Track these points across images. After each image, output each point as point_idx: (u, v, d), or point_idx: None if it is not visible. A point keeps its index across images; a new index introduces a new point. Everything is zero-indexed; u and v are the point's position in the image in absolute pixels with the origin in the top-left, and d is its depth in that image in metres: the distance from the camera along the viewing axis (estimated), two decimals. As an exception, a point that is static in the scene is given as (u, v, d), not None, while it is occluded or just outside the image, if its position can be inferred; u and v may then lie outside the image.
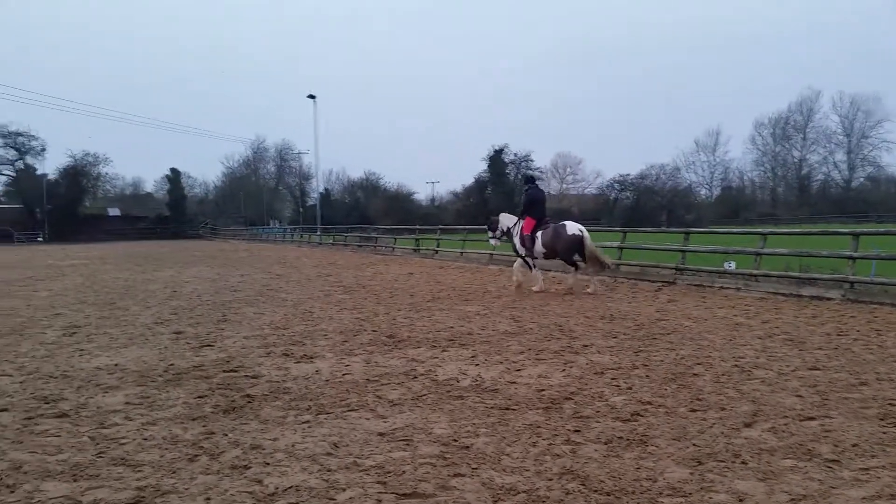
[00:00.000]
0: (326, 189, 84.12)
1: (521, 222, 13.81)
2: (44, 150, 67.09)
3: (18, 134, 65.82)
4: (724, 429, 4.73)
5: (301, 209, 77.17)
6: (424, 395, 5.73)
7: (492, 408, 5.32)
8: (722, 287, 13.65)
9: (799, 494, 3.59)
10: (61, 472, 4.01)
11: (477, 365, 6.88)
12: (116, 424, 4.96)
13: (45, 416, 5.23)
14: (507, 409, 5.29)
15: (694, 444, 4.40)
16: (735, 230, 33.13)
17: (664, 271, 15.61)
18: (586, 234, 13.07)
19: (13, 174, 67.56)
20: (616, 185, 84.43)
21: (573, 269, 13.58)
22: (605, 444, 4.45)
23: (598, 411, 5.19)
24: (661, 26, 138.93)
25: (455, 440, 4.52)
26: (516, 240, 13.95)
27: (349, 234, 40.99)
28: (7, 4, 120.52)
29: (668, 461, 4.13)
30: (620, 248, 17.58)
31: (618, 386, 5.97)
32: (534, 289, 13.57)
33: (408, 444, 4.44)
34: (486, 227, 15.44)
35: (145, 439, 4.60)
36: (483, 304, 11.76)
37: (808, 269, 14.17)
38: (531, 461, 4.14)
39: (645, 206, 79.43)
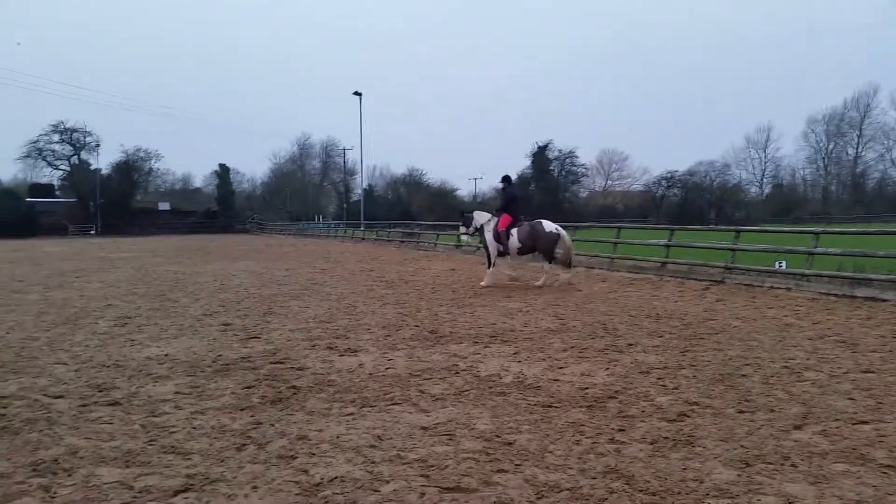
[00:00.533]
0: (370, 185, 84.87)
1: (496, 219, 14.23)
2: (98, 145, 69.30)
3: (74, 130, 68.10)
4: (772, 431, 4.63)
5: (345, 205, 78.04)
6: (467, 390, 5.74)
7: (534, 405, 5.30)
8: (772, 287, 13.31)
9: (852, 500, 3.49)
10: (114, 458, 4.14)
11: (519, 362, 6.87)
12: (166, 413, 5.11)
13: (98, 403, 5.40)
14: (549, 406, 5.27)
15: (742, 446, 4.32)
16: (786, 229, 32.25)
17: (713, 270, 15.31)
18: (562, 231, 14.04)
19: (68, 169, 69.88)
20: (663, 182, 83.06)
21: (548, 262, 14.20)
22: (651, 443, 4.39)
23: (643, 411, 5.13)
24: (717, 20, 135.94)
25: (497, 436, 4.53)
26: (489, 235, 14.28)
27: (392, 229, 41.23)
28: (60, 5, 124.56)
29: (714, 462, 4.06)
30: (668, 247, 17.28)
31: (664, 386, 5.88)
32: (482, 283, 14.19)
33: (450, 439, 4.46)
34: (459, 223, 15.84)
35: (194, 428, 4.73)
36: (525, 301, 11.71)
37: (862, 269, 13.69)
38: (574, 459, 4.11)
39: (693, 203, 78.02)
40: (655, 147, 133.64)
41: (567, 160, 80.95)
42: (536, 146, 79.21)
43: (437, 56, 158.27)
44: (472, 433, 4.59)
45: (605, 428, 4.72)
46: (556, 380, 6.12)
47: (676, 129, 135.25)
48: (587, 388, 5.79)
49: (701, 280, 14.85)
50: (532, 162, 79.41)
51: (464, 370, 6.48)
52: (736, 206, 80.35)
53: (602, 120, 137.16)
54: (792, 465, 3.98)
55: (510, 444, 4.38)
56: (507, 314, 10.13)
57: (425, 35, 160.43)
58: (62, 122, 67.48)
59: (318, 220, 75.47)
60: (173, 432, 4.63)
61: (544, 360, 6.97)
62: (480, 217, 14.87)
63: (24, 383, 6.03)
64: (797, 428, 4.68)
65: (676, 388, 5.79)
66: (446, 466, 3.96)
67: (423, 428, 4.69)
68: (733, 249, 15.21)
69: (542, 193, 75.70)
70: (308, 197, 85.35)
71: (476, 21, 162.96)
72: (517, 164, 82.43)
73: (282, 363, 6.85)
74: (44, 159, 69.45)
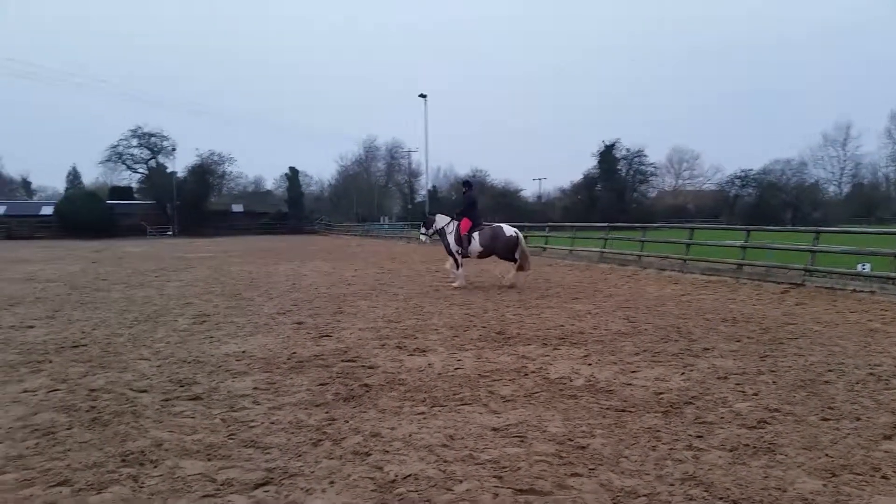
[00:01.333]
0: (434, 186, 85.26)
1: (457, 223, 14.66)
2: (174, 149, 72.13)
3: (152, 135, 71.11)
4: (860, 440, 4.42)
5: (409, 206, 78.74)
6: (537, 392, 5.70)
7: (607, 409, 5.22)
8: (855, 290, 12.69)
9: (952, 517, 3.29)
10: (197, 451, 4.30)
11: (590, 365, 6.77)
12: (245, 408, 5.27)
13: (180, 398, 5.62)
14: (623, 410, 5.17)
15: (827, 455, 4.14)
16: (870, 230, 30.69)
17: (791, 272, 14.72)
18: (521, 236, 14.47)
19: (146, 172, 73.00)
20: (737, 181, 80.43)
21: (513, 264, 14.53)
22: (730, 451, 4.26)
23: (721, 417, 4.98)
24: (793, 11, 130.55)
25: (570, 439, 4.48)
26: (450, 237, 14.68)
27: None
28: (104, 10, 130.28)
29: (798, 471, 3.90)
30: (744, 248, 16.71)
31: (742, 392, 5.70)
32: (454, 284, 14.50)
33: (522, 441, 4.44)
34: (422, 224, 16.19)
35: (272, 423, 4.86)
36: (594, 303, 11.54)
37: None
38: (651, 465, 4.03)
39: (768, 203, 75.23)
40: (728, 145, 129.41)
41: (635, 159, 79.39)
42: (603, 145, 78.00)
43: (502, 56, 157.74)
44: (543, 436, 4.55)
45: (682, 434, 4.60)
46: (629, 384, 6.00)
47: (750, 127, 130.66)
48: (662, 393, 5.66)
49: (779, 283, 14.31)
50: (599, 161, 78.19)
51: (533, 372, 6.44)
52: (813, 205, 77.04)
53: (673, 118, 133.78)
54: (883, 477, 3.79)
55: (583, 447, 4.33)
56: (575, 316, 10.00)
57: (491, 35, 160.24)
58: (140, 127, 70.62)
59: (383, 221, 76.41)
60: (252, 427, 4.78)
61: (616, 363, 6.85)
62: (441, 220, 15.25)
63: (110, 377, 6.33)
64: (887, 438, 4.46)
65: (756, 395, 5.60)
66: (519, 468, 3.95)
67: (494, 429, 4.68)
68: (813, 251, 14.58)
69: (609, 194, 74.46)
70: (373, 198, 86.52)
71: (543, 21, 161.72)
72: (583, 163, 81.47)
73: (353, 361, 6.96)
74: (123, 163, 72.79)
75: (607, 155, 77.54)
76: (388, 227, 65.12)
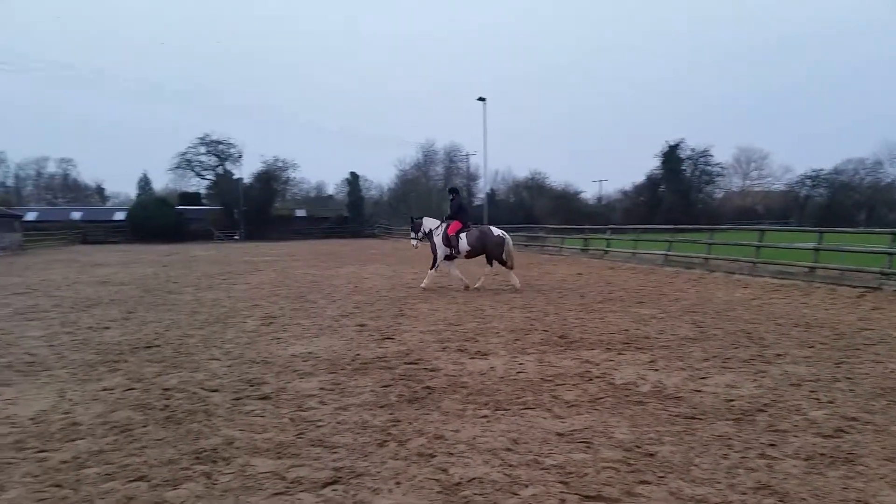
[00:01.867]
0: (492, 189, 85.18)
1: (445, 225, 15.27)
2: (240, 156, 74.30)
3: (219, 142, 73.48)
4: (950, 453, 4.17)
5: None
6: (602, 397, 5.61)
7: (676, 416, 5.10)
8: (941, 295, 12.01)
9: None
10: (267, 449, 4.41)
11: (657, 370, 6.63)
12: (312, 408, 5.37)
13: (250, 397, 5.77)
14: (692, 418, 5.04)
15: (914, 468, 3.93)
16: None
17: (867, 276, 14.06)
18: (507, 237, 14.96)
19: (214, 178, 75.41)
20: (808, 181, 77.32)
21: (490, 265, 15.16)
22: (806, 460, 4.11)
23: (795, 425, 4.80)
24: (863, 7, 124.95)
25: (638, 446, 4.39)
26: (438, 239, 15.20)
27: (516, 233, 41.13)
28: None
29: (880, 483, 3.73)
30: (816, 250, 16.05)
31: (817, 399, 5.48)
32: (422, 284, 15.24)
33: (588, 447, 4.37)
34: (411, 228, 16.56)
35: (339, 423, 4.94)
36: (659, 307, 11.29)
37: None
38: (723, 473, 3.91)
39: (841, 203, 72.03)
40: (798, 145, 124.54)
41: (700, 159, 77.32)
42: (667, 145, 76.25)
43: (560, 58, 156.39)
44: (610, 442, 4.48)
45: (754, 442, 4.46)
46: (699, 390, 5.85)
47: (821, 125, 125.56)
48: (733, 400, 5.50)
49: (855, 286, 13.68)
50: (662, 162, 76.46)
51: (597, 377, 6.34)
52: (890, 206, 73.28)
53: (739, 117, 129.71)
54: (977, 493, 3.56)
55: (652, 455, 4.24)
56: (640, 320, 9.81)
57: (550, 35, 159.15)
58: (208, 135, 73.06)
59: (443, 224, 76.55)
60: (320, 426, 4.86)
61: (684, 369, 6.69)
62: (429, 223, 15.86)
63: (183, 377, 6.55)
64: (980, 451, 4.20)
65: (832, 402, 5.38)
66: (585, 474, 3.89)
67: (559, 434, 4.63)
68: (890, 253, 13.88)
69: (673, 195, 72.68)
70: (432, 202, 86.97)
71: (604, 22, 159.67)
72: (645, 164, 79.81)
73: (415, 364, 7.01)
74: (192, 169, 75.43)
75: (671, 155, 75.74)
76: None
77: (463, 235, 14.89)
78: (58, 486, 3.79)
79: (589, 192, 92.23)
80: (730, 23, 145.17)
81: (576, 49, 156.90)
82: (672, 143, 76.02)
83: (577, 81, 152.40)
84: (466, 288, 14.96)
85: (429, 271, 15.49)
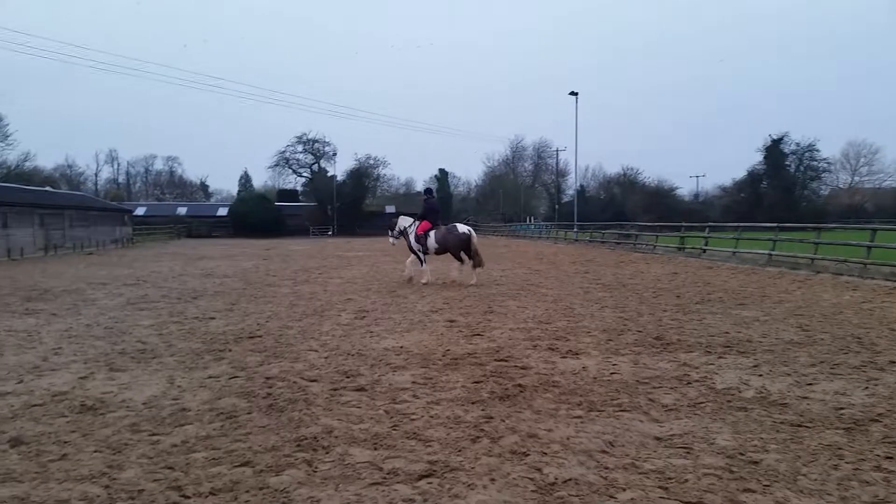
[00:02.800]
0: (581, 185, 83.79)
1: (416, 224, 16.11)
2: (335, 154, 76.72)
3: (315, 141, 76.13)
4: None
5: (556, 206, 77.92)
6: (702, 402, 5.41)
7: (781, 423, 4.85)
8: None
9: None
10: (364, 439, 4.51)
11: (760, 375, 6.32)
12: (406, 401, 5.46)
13: (347, 388, 5.93)
14: (799, 425, 4.78)
15: None
16: None
17: None
18: (473, 234, 15.52)
19: (310, 176, 78.05)
20: (925, 177, 71.66)
21: (459, 262, 15.74)
22: (931, 477, 3.80)
23: (917, 439, 4.45)
24: None
25: (741, 453, 4.20)
26: (411, 238, 16.06)
27: (606, 230, 40.30)
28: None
29: None
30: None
31: (941, 411, 5.06)
32: (422, 281, 15.63)
33: (688, 452, 4.22)
34: (388, 227, 17.46)
35: (432, 417, 5.00)
36: (762, 309, 10.76)
37: None
38: (833, 485, 3.69)
39: (966, 200, 66.37)
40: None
41: (806, 154, 73.16)
42: (770, 139, 72.63)
43: (653, 52, 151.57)
44: (711, 448, 4.31)
45: (868, 453, 4.18)
46: (805, 397, 5.54)
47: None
48: (843, 409, 5.18)
49: (985, 292, 12.56)
50: (764, 157, 72.91)
51: (696, 381, 6.12)
52: None
53: (848, 110, 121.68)
54: None
55: (756, 462, 4.05)
56: (741, 323, 9.39)
57: (642, 29, 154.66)
58: (305, 134, 75.73)
59: (530, 221, 76.18)
60: (413, 419, 4.94)
61: (789, 374, 6.35)
62: (403, 221, 16.72)
63: (283, 367, 6.81)
64: None
65: (960, 416, 4.95)
66: (686, 480, 3.76)
67: (657, 438, 4.49)
68: None
69: (776, 192, 69.16)
70: (519, 198, 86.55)
71: (692, 21, 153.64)
72: (746, 159, 76.25)
73: (505, 361, 6.99)
74: (289, 167, 78.48)
75: (774, 150, 72.12)
76: (535, 227, 64.82)
77: (431, 234, 15.75)
78: (170, 468, 4.02)
79: (685, 189, 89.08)
80: (846, 4, 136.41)
81: (671, 42, 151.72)
82: (775, 137, 72.43)
83: (672, 75, 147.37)
84: (410, 280, 16.01)
85: (414, 267, 16.24)
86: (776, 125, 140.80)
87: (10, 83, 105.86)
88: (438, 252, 15.89)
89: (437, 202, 17.71)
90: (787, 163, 73.16)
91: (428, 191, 17.97)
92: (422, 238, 15.86)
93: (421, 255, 16.03)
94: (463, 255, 15.60)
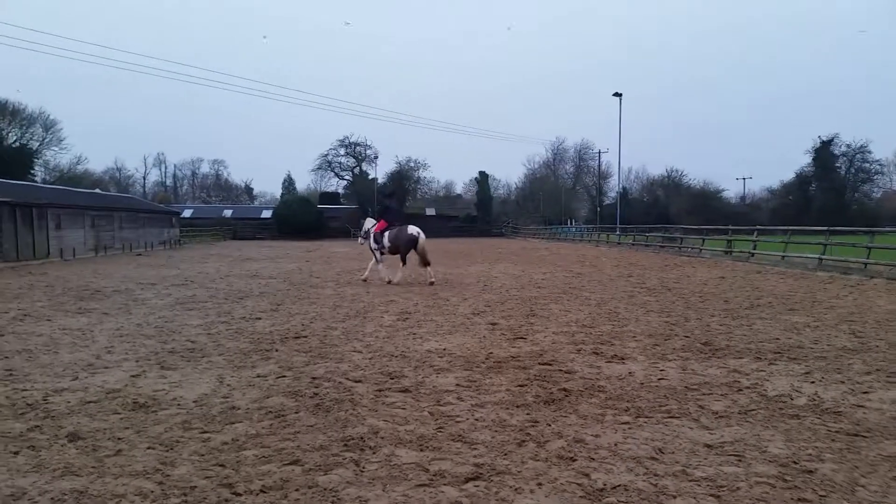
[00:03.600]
0: (623, 188, 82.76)
1: (373, 225, 17.26)
2: (376, 157, 77.44)
3: (357, 144, 76.99)
4: None
5: (598, 208, 77.22)
6: (753, 409, 5.29)
7: (836, 432, 4.71)
8: None
9: None
10: (410, 441, 4.53)
11: (812, 383, 6.15)
12: (451, 403, 5.47)
13: (391, 389, 5.97)
14: (855, 435, 4.64)
15: None
16: None
17: None
18: (421, 235, 16.38)
19: (351, 179, 78.93)
20: None
21: (402, 264, 16.61)
22: None
23: (985, 453, 4.27)
24: None
25: (794, 462, 4.10)
26: (371, 238, 17.07)
27: (650, 233, 39.71)
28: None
29: None
30: None
31: None
32: (385, 278, 16.77)
33: (739, 460, 4.13)
34: (359, 227, 18.65)
35: (476, 420, 4.99)
36: (813, 315, 10.47)
37: None
38: (895, 498, 3.56)
39: None
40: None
41: (857, 156, 70.93)
42: (819, 141, 70.63)
43: (699, 52, 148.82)
44: (764, 456, 4.21)
45: (933, 467, 4.02)
46: (861, 406, 5.37)
47: None
48: (904, 419, 5.00)
49: None
50: (813, 159, 70.95)
51: (747, 387, 5.98)
52: None
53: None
54: None
55: (811, 472, 3.94)
56: (791, 328, 9.15)
57: (686, 29, 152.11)
58: (347, 137, 76.63)
59: (570, 223, 75.59)
60: (458, 422, 4.94)
61: (843, 382, 6.17)
62: (368, 223, 17.78)
63: (329, 367, 6.89)
64: None
65: None
66: (738, 488, 3.68)
67: (708, 445, 4.41)
68: None
69: (826, 194, 67.22)
70: (560, 201, 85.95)
71: (743, 12, 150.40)
72: (794, 161, 74.35)
73: (549, 365, 6.94)
74: (332, 170, 79.49)
75: (823, 151, 70.18)
76: (576, 230, 64.27)
77: (387, 233, 16.68)
78: (221, 465, 4.10)
79: (731, 191, 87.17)
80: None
81: (715, 38, 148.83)
82: (825, 139, 70.47)
83: (717, 74, 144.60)
84: (365, 280, 16.96)
85: (374, 267, 17.24)
86: (827, 126, 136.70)
87: (64, 89, 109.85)
88: (391, 251, 16.76)
89: (397, 203, 19.19)
90: (838, 165, 71.12)
91: (389, 192, 19.80)
92: (379, 237, 16.83)
93: (378, 254, 17.07)
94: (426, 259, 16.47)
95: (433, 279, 16.46)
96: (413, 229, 16.53)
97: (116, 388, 6.07)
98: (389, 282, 16.46)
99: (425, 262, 16.42)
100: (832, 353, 7.53)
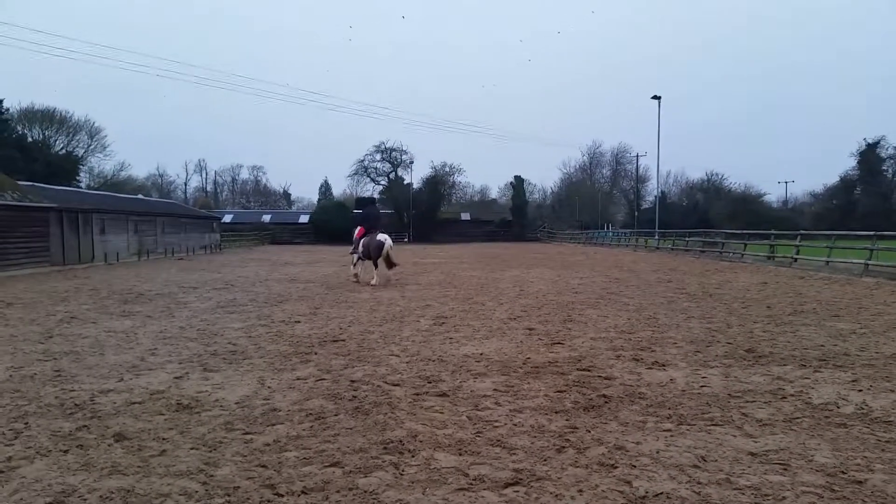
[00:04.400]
0: (662, 192, 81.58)
1: (356, 231, 18.89)
2: (412, 162, 77.63)
3: (392, 149, 77.21)
4: None
5: (636, 212, 76.27)
6: (798, 417, 5.18)
7: (886, 441, 4.59)
8: None
9: None
10: (448, 445, 4.55)
11: (860, 391, 6.00)
12: (488, 408, 5.47)
13: (429, 393, 5.99)
14: (906, 445, 4.50)
15: None
16: None
17: None
18: (388, 241, 17.88)
19: (387, 184, 79.32)
20: None
21: (374, 268, 18.18)
22: None
23: None
24: None
25: (842, 472, 4.00)
26: (353, 244, 18.84)
27: (690, 238, 39.06)
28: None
29: None
30: None
31: None
32: (352, 277, 18.85)
33: (785, 469, 4.05)
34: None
35: (515, 425, 4.99)
36: (859, 322, 10.19)
37: None
38: (950, 511, 3.45)
39: None
40: None
41: (904, 158, 68.81)
42: (864, 144, 68.74)
43: (739, 52, 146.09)
44: (810, 465, 4.12)
45: None
46: (914, 416, 5.21)
47: None
48: (957, 430, 4.83)
49: None
50: (858, 162, 69.05)
51: (792, 395, 5.85)
52: None
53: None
54: None
55: (860, 482, 3.84)
56: (837, 335, 8.92)
57: (726, 32, 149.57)
58: (383, 143, 77.05)
59: (607, 228, 74.82)
60: (497, 427, 4.94)
61: (892, 390, 6.00)
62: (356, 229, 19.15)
63: (367, 370, 6.95)
64: None
65: None
66: (784, 498, 3.61)
67: (752, 454, 4.33)
68: None
69: (871, 198, 65.30)
70: (597, 205, 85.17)
71: (785, 17, 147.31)
72: (839, 164, 72.42)
73: (588, 371, 6.89)
74: (367, 175, 79.90)
75: (869, 154, 68.21)
76: (613, 234, 63.60)
77: (363, 241, 18.18)
78: (263, 466, 4.17)
79: (773, 195, 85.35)
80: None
81: (753, 38, 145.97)
82: (870, 142, 68.56)
83: (758, 74, 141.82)
84: (356, 278, 18.58)
85: (356, 267, 18.81)
86: (871, 128, 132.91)
87: (108, 97, 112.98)
88: (364, 255, 18.22)
89: (377, 211, 20.59)
90: (884, 168, 69.06)
91: (370, 200, 20.97)
92: (357, 242, 18.59)
93: (355, 257, 18.74)
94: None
95: (386, 281, 18.27)
96: (381, 237, 17.98)
97: (160, 389, 6.22)
98: (357, 281, 18.41)
99: (390, 265, 18.13)
100: (880, 360, 7.32)
